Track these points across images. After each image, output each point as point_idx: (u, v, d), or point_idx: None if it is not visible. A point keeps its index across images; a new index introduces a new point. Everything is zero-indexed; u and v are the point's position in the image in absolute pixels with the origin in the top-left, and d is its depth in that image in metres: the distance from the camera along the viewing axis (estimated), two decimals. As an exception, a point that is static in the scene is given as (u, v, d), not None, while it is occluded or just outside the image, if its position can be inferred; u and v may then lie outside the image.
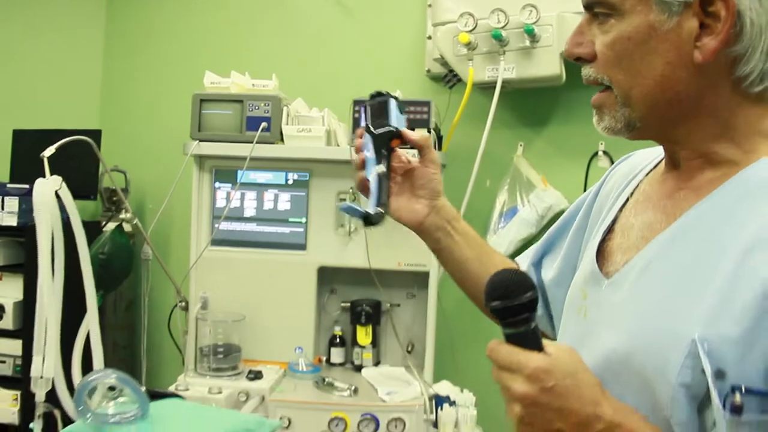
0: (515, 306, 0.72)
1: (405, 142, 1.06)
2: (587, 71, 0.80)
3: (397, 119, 1.06)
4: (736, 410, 0.63)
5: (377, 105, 1.09)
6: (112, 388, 1.03)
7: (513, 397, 0.71)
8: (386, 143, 1.04)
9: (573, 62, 0.82)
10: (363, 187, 1.04)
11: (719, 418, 0.64)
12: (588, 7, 0.79)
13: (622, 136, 0.81)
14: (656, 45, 0.73)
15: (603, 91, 0.80)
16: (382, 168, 1.01)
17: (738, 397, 0.63)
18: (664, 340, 0.70)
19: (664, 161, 0.86)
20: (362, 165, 1.04)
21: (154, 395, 1.07)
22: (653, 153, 0.93)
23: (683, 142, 0.78)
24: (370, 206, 0.98)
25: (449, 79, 2.42)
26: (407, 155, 1.09)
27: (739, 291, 0.66)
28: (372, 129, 1.06)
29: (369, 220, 0.96)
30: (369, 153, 1.05)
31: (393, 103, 1.08)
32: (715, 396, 0.64)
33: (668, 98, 0.75)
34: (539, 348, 0.72)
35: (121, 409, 1.00)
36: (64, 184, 1.65)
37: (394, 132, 1.05)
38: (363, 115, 1.09)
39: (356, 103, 2.16)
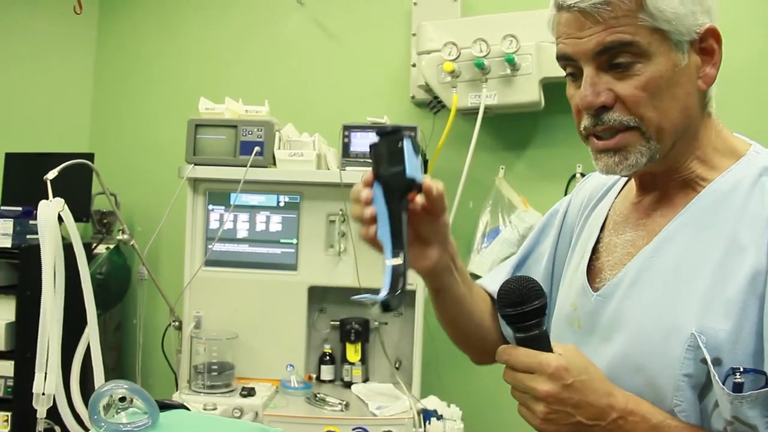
0: (529, 311, 0.77)
1: (420, 191, 0.86)
2: (611, 116, 0.83)
3: (411, 164, 0.83)
4: (738, 388, 0.73)
5: (388, 146, 0.84)
6: (122, 399, 1.06)
7: (537, 396, 0.76)
8: (402, 197, 0.84)
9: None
10: (372, 243, 0.88)
11: (722, 398, 0.74)
12: (602, 55, 0.81)
13: (637, 171, 0.86)
14: (678, 79, 0.82)
15: (622, 132, 0.83)
16: (399, 261, 0.82)
17: (738, 377, 0.74)
18: (663, 337, 0.79)
19: (633, 185, 0.95)
20: (372, 220, 0.85)
21: (162, 406, 1.09)
22: (610, 177, 1.01)
23: (672, 164, 0.87)
24: (384, 291, 0.81)
25: (434, 105, 2.51)
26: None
27: (724, 289, 0.77)
28: (384, 179, 0.84)
29: (389, 307, 0.80)
30: (380, 208, 0.84)
31: (408, 144, 0.84)
32: (717, 380, 0.74)
33: (686, 124, 0.85)
34: (550, 349, 0.78)
35: (133, 419, 1.01)
36: (66, 207, 1.70)
37: (413, 184, 0.84)
38: (371, 156, 0.86)
39: (345, 128, 2.25)
